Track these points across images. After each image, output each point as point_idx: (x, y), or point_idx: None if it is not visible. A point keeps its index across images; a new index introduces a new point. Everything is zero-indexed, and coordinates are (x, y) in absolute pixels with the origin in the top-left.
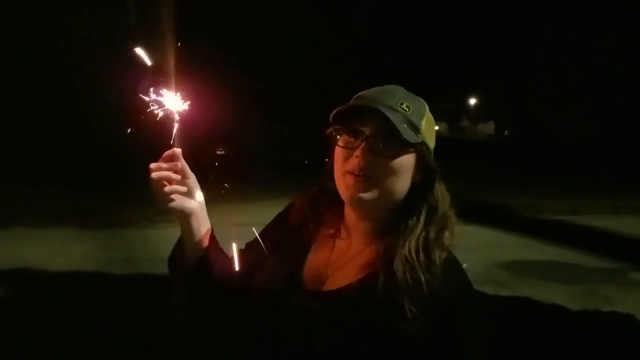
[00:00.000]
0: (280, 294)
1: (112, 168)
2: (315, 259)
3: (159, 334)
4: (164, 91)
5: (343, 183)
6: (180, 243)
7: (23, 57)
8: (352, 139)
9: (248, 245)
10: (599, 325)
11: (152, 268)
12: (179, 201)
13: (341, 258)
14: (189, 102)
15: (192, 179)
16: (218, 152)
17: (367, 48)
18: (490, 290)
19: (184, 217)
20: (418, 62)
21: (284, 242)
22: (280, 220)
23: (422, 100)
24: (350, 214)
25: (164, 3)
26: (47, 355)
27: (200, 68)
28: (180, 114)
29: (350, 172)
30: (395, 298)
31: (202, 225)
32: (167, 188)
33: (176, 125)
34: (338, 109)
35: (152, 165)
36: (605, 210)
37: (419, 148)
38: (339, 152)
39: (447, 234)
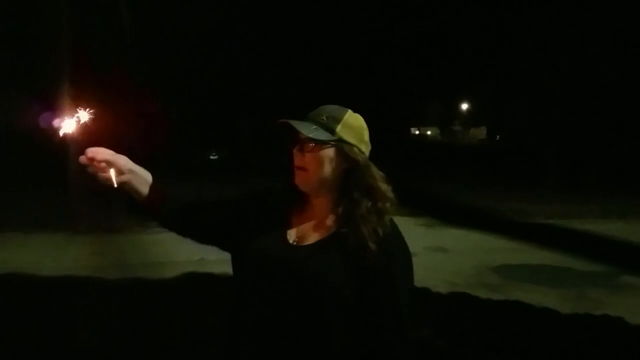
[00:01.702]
0: (276, 250)
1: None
2: (291, 228)
3: (152, 339)
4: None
5: (294, 174)
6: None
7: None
8: (295, 144)
9: (218, 202)
10: (589, 328)
11: (144, 273)
12: (114, 180)
13: (309, 224)
14: (89, 117)
15: (122, 160)
16: (211, 157)
17: (358, 55)
18: (481, 294)
19: (128, 187)
20: (410, 67)
21: (265, 218)
22: (256, 198)
23: (344, 111)
24: (309, 194)
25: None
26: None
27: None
28: (83, 126)
29: (295, 166)
30: (361, 238)
31: (143, 181)
32: (102, 175)
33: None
34: (278, 122)
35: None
36: (594, 214)
37: (336, 144)
38: (293, 153)
39: (388, 204)
